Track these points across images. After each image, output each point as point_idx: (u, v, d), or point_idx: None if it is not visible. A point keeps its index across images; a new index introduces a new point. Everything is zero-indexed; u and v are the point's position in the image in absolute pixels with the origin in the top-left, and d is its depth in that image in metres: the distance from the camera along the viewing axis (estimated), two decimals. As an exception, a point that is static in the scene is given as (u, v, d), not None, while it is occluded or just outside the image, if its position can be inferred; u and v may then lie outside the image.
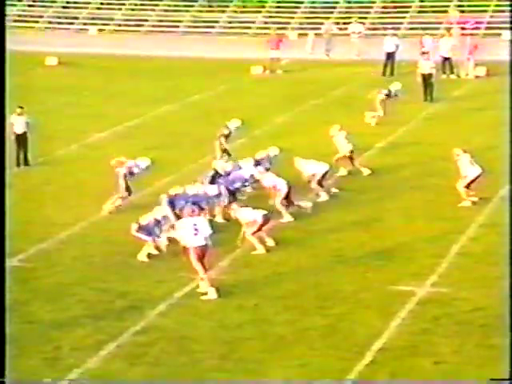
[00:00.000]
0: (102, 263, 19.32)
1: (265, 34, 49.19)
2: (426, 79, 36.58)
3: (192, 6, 56.29)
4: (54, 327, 16.27)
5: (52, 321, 16.54)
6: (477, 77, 41.01)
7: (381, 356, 15.11)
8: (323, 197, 23.41)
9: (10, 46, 47.31)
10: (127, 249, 19.93)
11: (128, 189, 22.63)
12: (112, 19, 56.15)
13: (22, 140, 27.18)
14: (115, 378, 14.52)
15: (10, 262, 19.09)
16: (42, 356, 15.22)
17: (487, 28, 49.67)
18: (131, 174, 22.78)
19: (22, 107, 27.73)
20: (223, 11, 55.58)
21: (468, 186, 23.35)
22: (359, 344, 15.48)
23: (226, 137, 26.43)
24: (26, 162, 27.13)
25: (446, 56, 40.70)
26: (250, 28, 53.52)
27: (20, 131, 27.20)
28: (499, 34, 46.91)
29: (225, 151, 26.20)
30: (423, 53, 40.53)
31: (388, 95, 31.84)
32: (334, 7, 54.10)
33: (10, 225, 20.13)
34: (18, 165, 26.92)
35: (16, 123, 27.23)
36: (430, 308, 17.02)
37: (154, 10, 56.42)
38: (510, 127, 27.75)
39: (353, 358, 14.97)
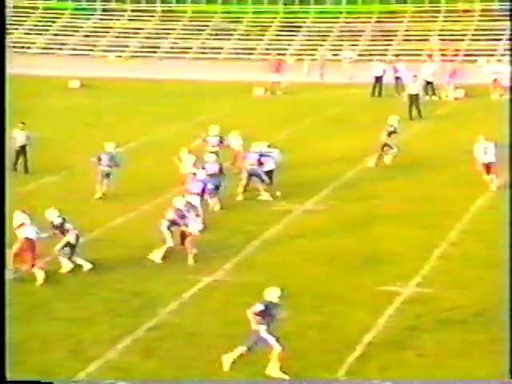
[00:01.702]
0: (118, 266, 19.30)
1: (266, 59, 49.26)
2: (413, 99, 36.72)
3: (200, 34, 56.43)
4: (76, 323, 16.29)
5: (74, 318, 16.55)
6: (456, 98, 41.14)
7: (370, 349, 15.12)
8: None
9: (36, 71, 47.86)
10: (141, 252, 19.92)
11: None
12: (128, 46, 56.29)
13: (22, 152, 27.69)
14: (131, 368, 14.50)
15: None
16: (66, 349, 15.24)
17: (465, 55, 49.79)
18: None
19: (23, 123, 28.17)
20: (228, 39, 55.71)
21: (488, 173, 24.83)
22: (350, 339, 15.48)
23: (390, 134, 28.00)
24: (26, 170, 27.63)
25: (429, 80, 40.79)
26: (252, 54, 53.63)
27: (21, 144, 27.68)
28: (475, 61, 46.97)
29: (386, 145, 27.94)
30: (397, 78, 41.12)
31: None
32: (328, 35, 54.23)
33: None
34: (15, 170, 27.39)
35: (18, 137, 27.72)
36: (414, 306, 17.02)
37: (166, 38, 56.56)
38: (510, 141, 28.01)
39: (345, 352, 14.97)
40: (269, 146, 25.28)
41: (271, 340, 14.22)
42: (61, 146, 30.55)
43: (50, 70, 49.57)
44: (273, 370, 14.24)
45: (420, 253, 19.89)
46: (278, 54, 49.51)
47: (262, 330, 14.24)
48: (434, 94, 40.74)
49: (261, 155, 24.62)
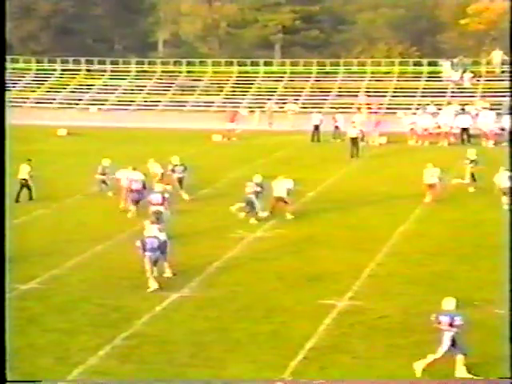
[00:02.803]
0: (101, 284, 19.07)
1: (223, 111, 49.39)
2: (353, 142, 37.45)
3: (168, 90, 56.50)
4: (64, 333, 16.04)
5: (62, 329, 16.30)
6: (380, 144, 41.52)
7: (311, 353, 15.04)
8: None
9: (31, 121, 47.51)
10: (120, 273, 19.73)
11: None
12: (108, 100, 56.13)
13: (25, 184, 27.88)
14: (110, 372, 14.30)
15: (31, 285, 18.89)
16: (55, 356, 15.00)
17: (387, 108, 50.33)
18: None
19: (30, 159, 28.41)
20: (191, 94, 55.82)
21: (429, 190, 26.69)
22: (295, 344, 15.40)
23: (472, 161, 28.62)
24: (31, 198, 27.80)
25: (351, 135, 41.16)
26: (211, 106, 53.72)
27: (25, 177, 27.93)
28: (395, 113, 47.40)
29: (472, 176, 28.61)
30: (336, 127, 42.39)
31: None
32: (275, 91, 54.57)
33: (31, 256, 20.08)
34: (18, 201, 27.32)
35: (22, 170, 27.94)
36: (347, 317, 16.98)
37: (139, 93, 56.52)
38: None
39: (291, 355, 14.88)
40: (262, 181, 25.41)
41: (458, 346, 13.79)
42: (50, 183, 30.18)
43: (42, 120, 49.28)
44: (461, 372, 13.80)
45: (353, 272, 19.89)
46: (233, 107, 49.75)
47: (449, 337, 13.79)
48: (362, 139, 41.07)
49: (259, 186, 24.90)
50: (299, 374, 14.19)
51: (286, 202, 25.13)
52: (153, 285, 18.48)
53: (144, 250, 18.60)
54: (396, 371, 14.22)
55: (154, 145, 40.59)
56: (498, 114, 43.37)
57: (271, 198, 25.16)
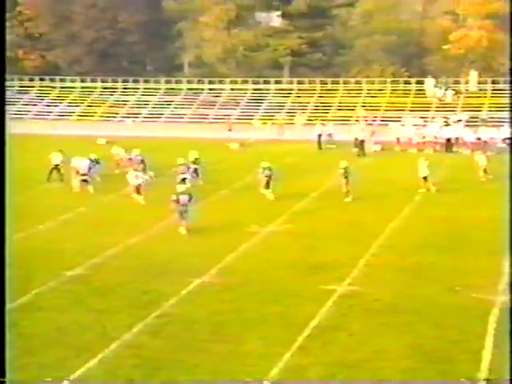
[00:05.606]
0: (134, 271, 19.10)
1: (239, 122, 49.37)
2: (360, 142, 38.71)
3: (192, 105, 56.59)
4: (103, 313, 16.08)
5: (101, 309, 16.35)
6: (375, 151, 41.41)
7: (315, 331, 15.02)
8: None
9: (74, 132, 47.34)
10: (150, 262, 19.79)
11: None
12: (141, 114, 56.30)
13: (57, 168, 30.46)
14: (142, 346, 14.32)
15: (75, 271, 18.96)
16: (95, 332, 15.04)
17: (381, 120, 50.23)
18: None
19: (61, 150, 31.44)
20: (212, 108, 55.90)
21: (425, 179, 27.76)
22: (301, 323, 15.39)
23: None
24: (62, 180, 30.37)
25: (356, 137, 41.16)
26: (229, 119, 53.75)
27: (57, 163, 30.69)
28: (388, 124, 47.27)
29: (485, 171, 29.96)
30: (329, 134, 42.98)
31: None
32: (284, 105, 54.58)
33: (76, 246, 20.09)
34: (49, 180, 30.09)
35: (55, 157, 30.85)
36: (346, 299, 16.96)
37: (168, 107, 56.66)
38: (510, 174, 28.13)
39: (297, 333, 14.86)
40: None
41: None
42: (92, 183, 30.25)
43: (84, 131, 49.44)
44: None
45: (350, 261, 19.84)
46: (247, 119, 49.70)
47: None
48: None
49: (268, 169, 27.58)
50: (304, 349, 14.18)
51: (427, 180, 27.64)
52: (182, 230, 21.86)
53: (178, 203, 21.96)
54: (386, 346, 14.20)
55: (180, 151, 40.53)
56: (475, 126, 43.46)
57: (418, 178, 27.93)
